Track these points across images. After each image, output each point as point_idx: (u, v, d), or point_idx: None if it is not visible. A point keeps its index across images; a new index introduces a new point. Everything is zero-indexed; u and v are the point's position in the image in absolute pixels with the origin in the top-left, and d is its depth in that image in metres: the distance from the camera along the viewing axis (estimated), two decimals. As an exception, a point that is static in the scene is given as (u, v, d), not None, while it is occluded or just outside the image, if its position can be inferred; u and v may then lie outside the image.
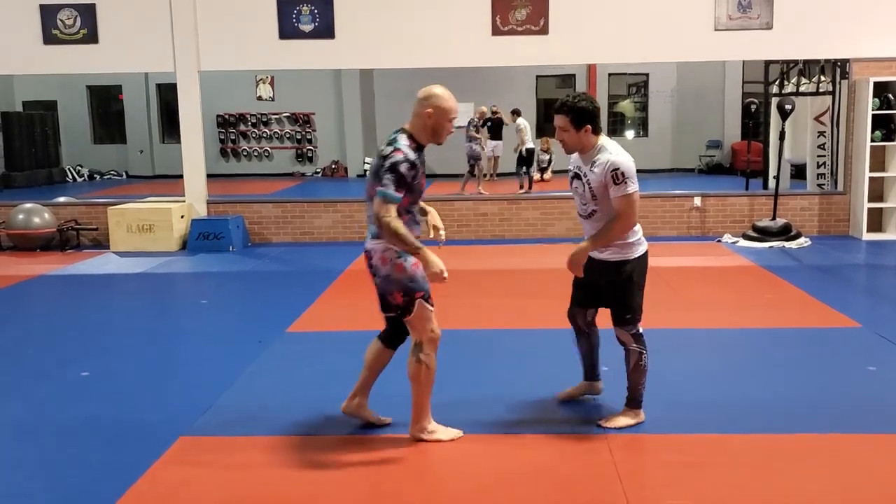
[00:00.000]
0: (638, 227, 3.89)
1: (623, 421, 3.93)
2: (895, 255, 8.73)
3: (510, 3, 9.39)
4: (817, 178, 11.02)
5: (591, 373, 4.29)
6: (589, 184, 3.78)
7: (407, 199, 3.55)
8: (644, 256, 3.91)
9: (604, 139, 3.80)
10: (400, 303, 3.61)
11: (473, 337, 5.69)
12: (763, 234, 9.31)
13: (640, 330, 3.91)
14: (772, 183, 10.73)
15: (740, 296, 7.01)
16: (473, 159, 14.05)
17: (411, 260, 3.57)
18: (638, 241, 3.87)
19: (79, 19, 9.64)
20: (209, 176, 10.34)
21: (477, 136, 14.45)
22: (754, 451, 3.68)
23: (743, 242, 9.32)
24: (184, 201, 9.96)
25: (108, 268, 8.68)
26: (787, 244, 9.11)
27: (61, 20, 9.65)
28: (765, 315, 6.23)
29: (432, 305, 3.67)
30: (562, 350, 5.26)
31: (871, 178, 9.40)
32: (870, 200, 9.44)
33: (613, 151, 3.72)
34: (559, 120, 3.77)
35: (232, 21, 9.64)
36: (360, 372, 3.91)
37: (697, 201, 9.94)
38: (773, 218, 9.49)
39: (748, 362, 5.16)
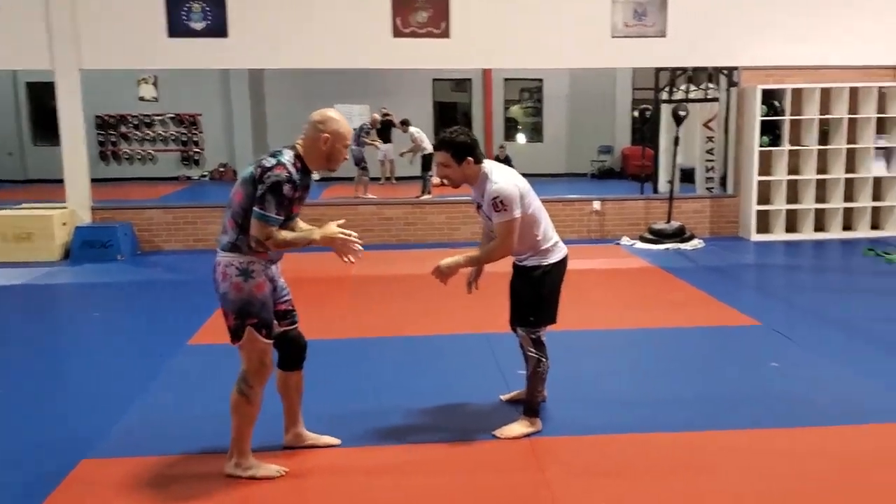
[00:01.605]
0: (553, 233, 3.96)
1: (518, 430, 3.89)
2: (783, 255, 9.13)
3: (411, 6, 9.29)
4: (706, 182, 11.42)
5: None
6: (486, 213, 3.82)
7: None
8: (560, 263, 3.95)
9: (487, 166, 3.80)
10: (231, 325, 3.33)
11: (383, 345, 5.57)
12: (659, 236, 9.55)
13: (543, 337, 3.91)
14: (666, 187, 11.04)
15: (643, 296, 7.15)
16: (363, 162, 13.89)
17: (254, 282, 3.29)
18: (553, 248, 3.92)
19: (-59, 11, 8.93)
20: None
21: (368, 141, 14.30)
22: (677, 449, 3.73)
23: (640, 244, 9.53)
24: (66, 207, 9.39)
25: (-18, 279, 8.07)
26: (682, 246, 9.37)
27: (-78, 12, 8.91)
28: (669, 315, 6.35)
29: (268, 337, 3.37)
30: (474, 355, 5.23)
31: (759, 182, 9.79)
32: (758, 203, 9.84)
33: (496, 179, 3.72)
34: (440, 157, 3.77)
35: (116, 16, 9.15)
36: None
37: (597, 205, 10.12)
38: (668, 221, 9.75)
39: (658, 362, 5.24)
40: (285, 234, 3.28)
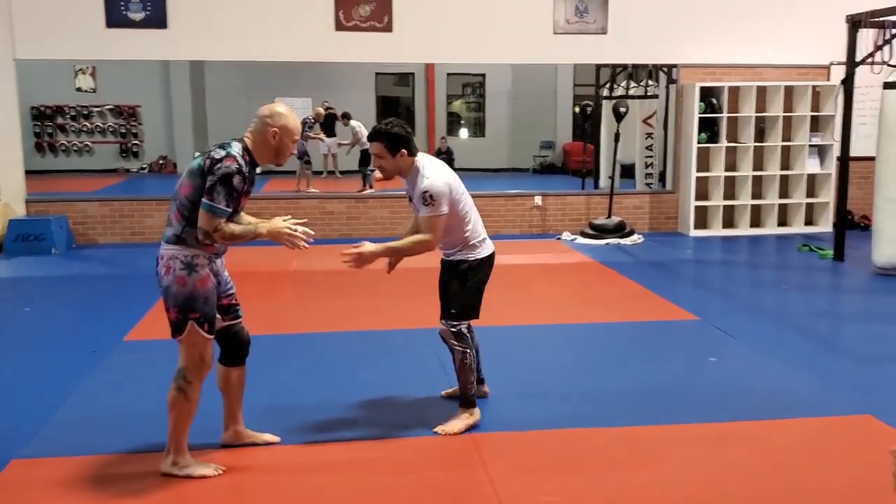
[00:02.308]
0: (482, 229, 3.99)
1: (458, 425, 3.89)
2: (720, 250, 9.33)
3: (354, -1, 9.24)
4: (645, 178, 11.59)
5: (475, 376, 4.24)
6: (416, 206, 3.82)
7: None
8: (487, 259, 3.98)
9: (420, 159, 3.81)
10: (172, 319, 3.28)
11: (324, 340, 5.53)
12: (599, 231, 9.66)
13: (465, 330, 3.93)
14: (607, 182, 11.17)
15: (584, 291, 7.23)
16: (306, 155, 13.78)
17: (198, 276, 3.26)
18: (481, 244, 3.95)
19: None
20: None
21: (312, 136, 14.22)
22: (618, 444, 3.77)
23: (581, 240, 9.62)
24: (-1, 200, 9.14)
25: None
26: (622, 241, 9.49)
27: None
28: (609, 310, 6.43)
29: (210, 333, 3.33)
30: (416, 350, 5.21)
31: (697, 178, 9.96)
32: (696, 199, 10.01)
33: (428, 174, 3.74)
34: (375, 148, 3.77)
35: (52, 5, 8.90)
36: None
37: (538, 200, 10.19)
38: (609, 216, 9.87)
39: (599, 356, 5.30)
40: (233, 227, 3.25)
